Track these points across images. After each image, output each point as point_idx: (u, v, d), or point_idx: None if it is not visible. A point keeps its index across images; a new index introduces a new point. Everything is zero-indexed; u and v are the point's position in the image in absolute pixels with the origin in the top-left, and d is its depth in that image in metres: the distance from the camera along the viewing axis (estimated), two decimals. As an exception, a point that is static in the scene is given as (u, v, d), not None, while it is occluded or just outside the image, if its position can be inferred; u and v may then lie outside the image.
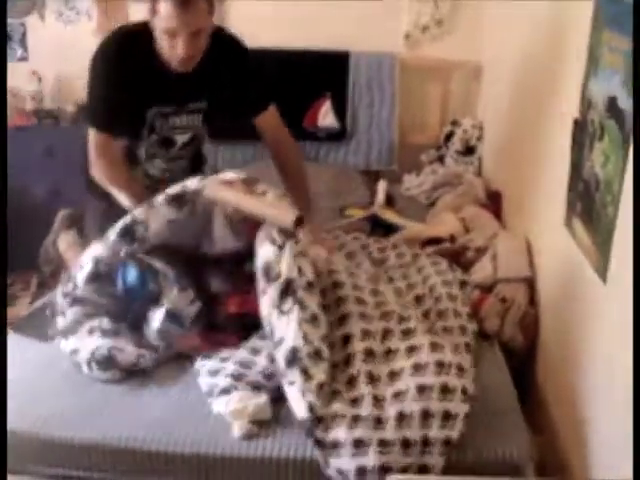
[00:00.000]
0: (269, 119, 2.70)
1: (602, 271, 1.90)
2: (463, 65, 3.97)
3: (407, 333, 2.19)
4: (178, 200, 2.25)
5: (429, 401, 1.95)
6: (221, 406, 2.04)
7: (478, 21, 3.88)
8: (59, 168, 3.73)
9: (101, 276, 2.31)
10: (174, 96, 2.49)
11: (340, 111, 3.90)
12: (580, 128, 2.14)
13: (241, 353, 2.22)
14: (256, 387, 2.08)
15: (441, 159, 3.92)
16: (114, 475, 2.00)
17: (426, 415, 1.92)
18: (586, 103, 2.10)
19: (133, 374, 2.24)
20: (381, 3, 3.86)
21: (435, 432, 1.90)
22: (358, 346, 2.13)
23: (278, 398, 2.05)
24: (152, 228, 2.27)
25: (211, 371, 2.16)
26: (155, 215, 2.26)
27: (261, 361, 2.14)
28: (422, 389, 1.97)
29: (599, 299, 1.96)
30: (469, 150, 3.85)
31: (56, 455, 2.02)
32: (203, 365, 2.21)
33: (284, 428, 2.00)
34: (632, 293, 1.64)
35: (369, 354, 2.11)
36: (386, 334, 2.20)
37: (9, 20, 4.07)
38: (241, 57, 2.60)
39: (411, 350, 2.12)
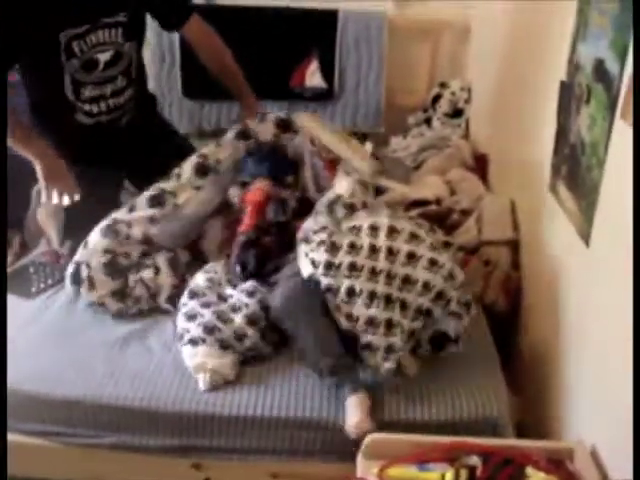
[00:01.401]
0: (194, 27, 2.73)
1: (585, 235, 1.90)
2: (452, 26, 3.92)
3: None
4: (243, 135, 2.66)
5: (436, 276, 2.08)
6: (186, 356, 2.08)
7: (468, -19, 3.85)
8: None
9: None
10: (82, 14, 2.39)
11: (327, 71, 3.85)
12: (567, 91, 2.12)
13: (226, 301, 2.23)
14: (224, 346, 2.10)
15: (428, 121, 3.89)
16: (96, 431, 2.02)
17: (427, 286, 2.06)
18: (574, 66, 2.08)
19: (116, 330, 2.25)
20: (371, -39, 3.82)
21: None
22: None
23: (246, 360, 2.11)
24: (223, 162, 2.60)
25: (188, 314, 2.18)
26: (224, 149, 2.63)
27: (238, 319, 2.15)
28: (434, 262, 2.10)
29: (582, 262, 1.96)
30: (457, 113, 3.82)
31: (38, 411, 2.04)
32: (184, 304, 2.23)
33: (261, 387, 2.04)
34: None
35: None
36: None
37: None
38: None
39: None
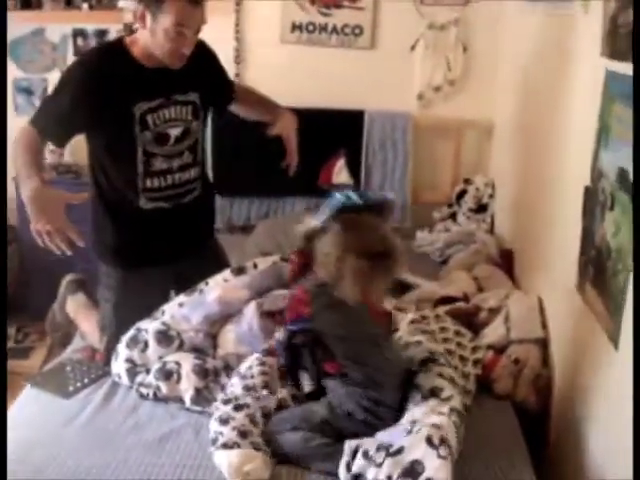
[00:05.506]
0: (239, 92, 2.94)
1: (614, 337, 1.93)
2: (475, 124, 4.05)
3: None
4: None
5: None
6: (221, 460, 2.06)
7: (490, 81, 3.98)
8: (76, 222, 3.76)
9: None
10: (156, 89, 2.52)
11: (354, 168, 3.97)
12: (591, 196, 2.18)
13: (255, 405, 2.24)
14: (258, 448, 2.09)
15: (453, 216, 3.97)
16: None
17: None
18: (597, 171, 2.14)
19: (151, 430, 2.27)
20: (395, 64, 3.97)
21: None
22: None
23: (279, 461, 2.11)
24: None
25: (222, 418, 2.17)
26: None
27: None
28: None
29: (611, 364, 1.98)
30: (481, 208, 3.90)
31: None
32: (217, 408, 2.24)
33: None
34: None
35: None
36: None
37: (31, 75, 4.24)
38: (208, 49, 2.74)
39: None
